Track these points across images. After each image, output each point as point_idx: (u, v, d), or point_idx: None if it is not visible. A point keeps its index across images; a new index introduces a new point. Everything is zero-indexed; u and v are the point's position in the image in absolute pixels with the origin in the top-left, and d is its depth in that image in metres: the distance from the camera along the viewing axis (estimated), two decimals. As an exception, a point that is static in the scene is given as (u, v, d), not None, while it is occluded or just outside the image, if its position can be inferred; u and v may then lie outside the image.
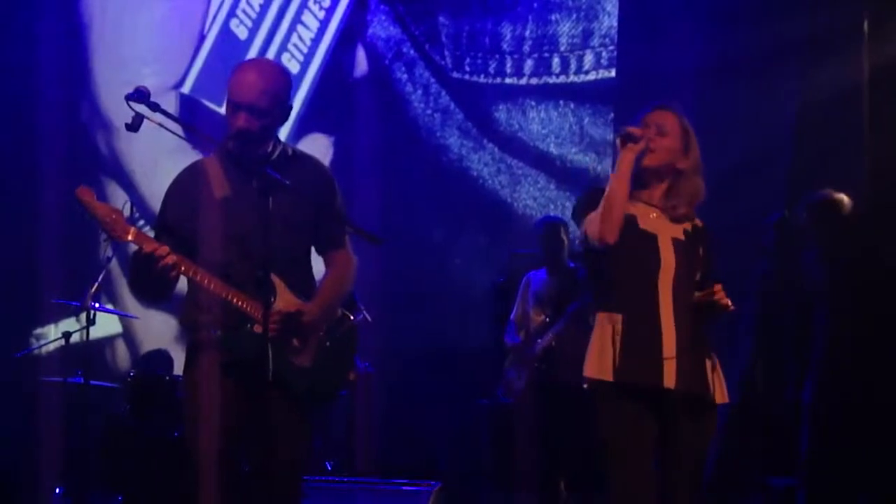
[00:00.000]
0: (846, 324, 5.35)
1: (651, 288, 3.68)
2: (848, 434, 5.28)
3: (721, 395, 3.75)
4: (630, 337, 3.65)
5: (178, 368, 6.52)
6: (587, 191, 4.01)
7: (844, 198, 5.50)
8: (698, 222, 3.86)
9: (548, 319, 6.30)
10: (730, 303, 3.70)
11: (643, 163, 3.75)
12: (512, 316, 6.54)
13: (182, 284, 3.71)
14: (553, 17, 8.10)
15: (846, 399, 5.28)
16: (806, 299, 5.50)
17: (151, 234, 3.72)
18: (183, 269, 3.57)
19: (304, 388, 3.72)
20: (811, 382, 5.39)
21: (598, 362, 3.69)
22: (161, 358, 7.28)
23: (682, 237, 3.77)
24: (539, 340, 6.28)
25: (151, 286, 3.69)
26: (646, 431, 3.65)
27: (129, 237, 3.51)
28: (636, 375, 3.63)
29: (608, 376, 3.66)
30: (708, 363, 3.71)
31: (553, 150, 8.05)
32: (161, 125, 3.52)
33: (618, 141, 3.76)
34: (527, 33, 8.13)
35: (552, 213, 7.63)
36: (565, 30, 8.07)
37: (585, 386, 3.75)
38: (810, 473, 5.39)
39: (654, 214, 3.78)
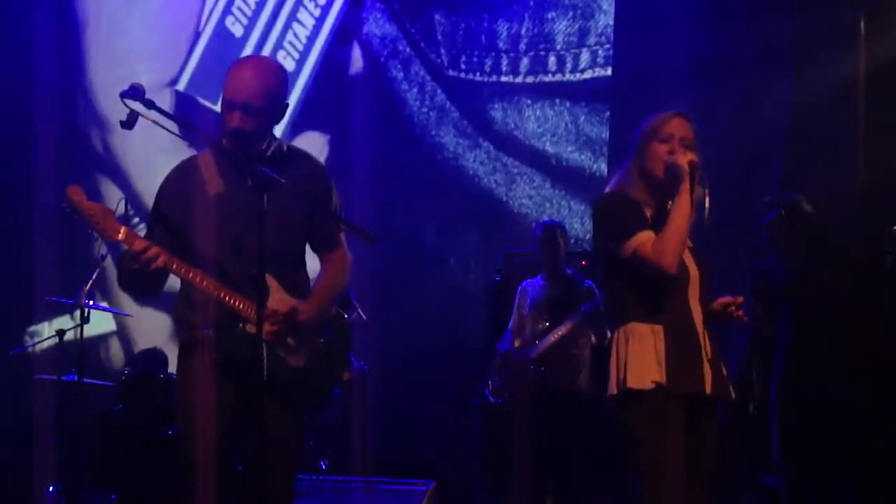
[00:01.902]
0: (808, 322, 5.37)
1: (684, 298, 3.74)
2: (815, 433, 5.29)
3: (733, 393, 3.90)
4: (676, 346, 3.68)
5: (172, 367, 6.52)
6: (610, 198, 3.88)
7: (804, 202, 5.52)
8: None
9: (548, 324, 6.28)
10: (743, 314, 3.83)
11: (678, 186, 3.70)
12: (510, 325, 6.52)
13: (175, 282, 3.70)
14: (549, 16, 8.10)
15: (809, 398, 5.29)
16: (769, 300, 5.52)
17: (144, 232, 3.71)
18: (175, 267, 3.55)
19: (298, 388, 3.71)
20: (775, 382, 5.40)
21: (644, 371, 3.67)
22: (155, 356, 7.26)
23: (692, 245, 3.82)
24: (538, 343, 6.26)
25: (140, 283, 3.68)
26: (682, 439, 3.68)
27: (120, 236, 3.50)
28: (685, 383, 3.68)
29: (658, 383, 3.65)
30: (723, 367, 3.81)
31: (549, 148, 8.04)
32: (156, 122, 3.50)
33: (683, 171, 3.67)
34: (523, 31, 8.12)
35: (549, 214, 7.64)
36: (561, 28, 8.06)
37: (615, 393, 3.72)
38: (785, 474, 5.40)
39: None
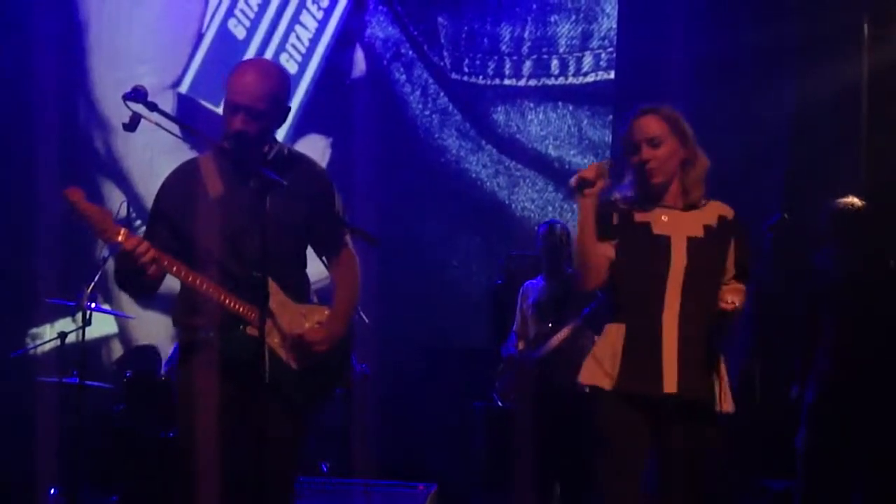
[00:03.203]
0: (854, 325, 5.35)
1: (658, 292, 3.64)
2: (847, 435, 5.27)
3: (726, 403, 3.71)
4: (631, 345, 3.64)
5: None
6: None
7: (863, 203, 5.50)
8: (727, 213, 3.79)
9: (551, 325, 6.27)
10: (729, 303, 3.63)
11: (653, 181, 3.70)
12: (514, 327, 6.52)
13: (174, 284, 3.69)
14: (552, 19, 8.09)
15: (849, 401, 5.27)
16: (812, 300, 5.48)
17: (144, 233, 3.70)
18: (174, 270, 3.54)
19: (299, 390, 3.71)
20: (815, 382, 5.38)
21: (596, 369, 3.69)
22: (147, 353, 7.28)
23: (700, 234, 3.71)
24: (541, 345, 6.25)
25: (135, 282, 3.67)
26: (639, 442, 3.64)
27: (119, 238, 3.47)
28: (634, 385, 3.62)
29: (606, 384, 3.65)
30: (715, 369, 3.66)
31: (551, 151, 8.03)
32: (158, 125, 3.50)
33: (573, 188, 3.67)
34: (526, 35, 8.12)
35: (551, 217, 7.62)
36: (564, 31, 8.06)
37: (587, 390, 3.73)
38: (807, 472, 5.38)
39: (666, 217, 3.72)
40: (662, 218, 3.72)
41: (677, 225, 3.71)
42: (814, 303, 5.47)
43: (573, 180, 3.66)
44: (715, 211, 3.78)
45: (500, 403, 6.49)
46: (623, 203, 3.78)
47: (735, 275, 3.74)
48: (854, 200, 5.50)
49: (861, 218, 5.46)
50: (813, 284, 5.50)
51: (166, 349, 7.30)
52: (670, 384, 3.60)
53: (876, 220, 5.49)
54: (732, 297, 3.63)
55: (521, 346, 6.41)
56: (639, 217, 3.74)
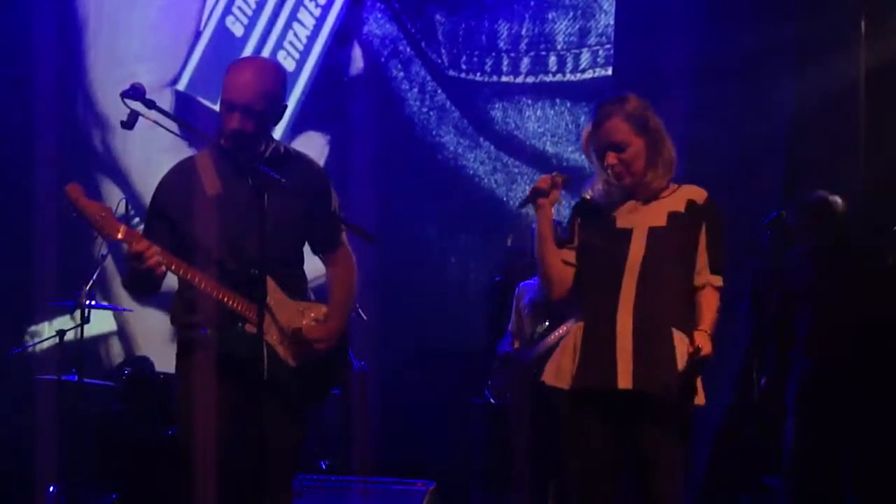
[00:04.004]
0: (831, 322, 5.36)
1: (613, 286, 3.58)
2: (830, 432, 5.28)
3: (696, 396, 3.56)
4: (586, 341, 3.61)
5: (164, 365, 6.52)
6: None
7: (838, 199, 5.52)
8: (698, 196, 3.69)
9: (546, 324, 6.27)
10: (692, 348, 3.45)
11: (622, 183, 3.66)
12: (509, 327, 6.52)
13: (172, 282, 3.70)
14: (550, 16, 8.08)
15: (832, 397, 5.28)
16: (789, 297, 5.49)
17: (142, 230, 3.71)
18: (174, 267, 3.55)
19: (297, 387, 3.72)
20: (794, 380, 5.39)
21: (555, 369, 3.69)
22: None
23: (663, 223, 3.63)
24: (536, 345, 6.25)
25: (143, 284, 3.68)
26: (599, 441, 3.60)
27: (119, 235, 3.48)
28: (588, 381, 3.58)
29: (564, 384, 3.64)
30: (680, 360, 3.50)
31: (549, 148, 8.03)
32: (156, 122, 3.50)
33: (527, 199, 3.70)
34: (523, 31, 8.11)
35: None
36: (562, 28, 8.06)
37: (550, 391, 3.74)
38: (794, 471, 5.39)
39: (632, 209, 3.68)
40: (628, 212, 3.68)
41: (642, 216, 3.66)
42: (789, 301, 5.48)
43: (527, 194, 3.69)
44: (684, 196, 3.69)
45: (492, 401, 6.50)
46: (591, 200, 3.77)
47: (709, 266, 3.62)
48: (824, 194, 5.52)
49: (833, 211, 5.47)
50: (787, 282, 5.51)
51: (164, 349, 7.30)
52: (625, 379, 3.51)
53: (846, 213, 5.50)
54: (699, 341, 3.44)
55: (516, 345, 6.41)
56: (605, 213, 3.71)
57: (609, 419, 3.59)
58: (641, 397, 3.53)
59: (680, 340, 3.54)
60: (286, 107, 3.83)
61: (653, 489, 3.55)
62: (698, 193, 3.70)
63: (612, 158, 3.64)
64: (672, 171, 3.71)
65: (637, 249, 3.60)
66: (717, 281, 3.64)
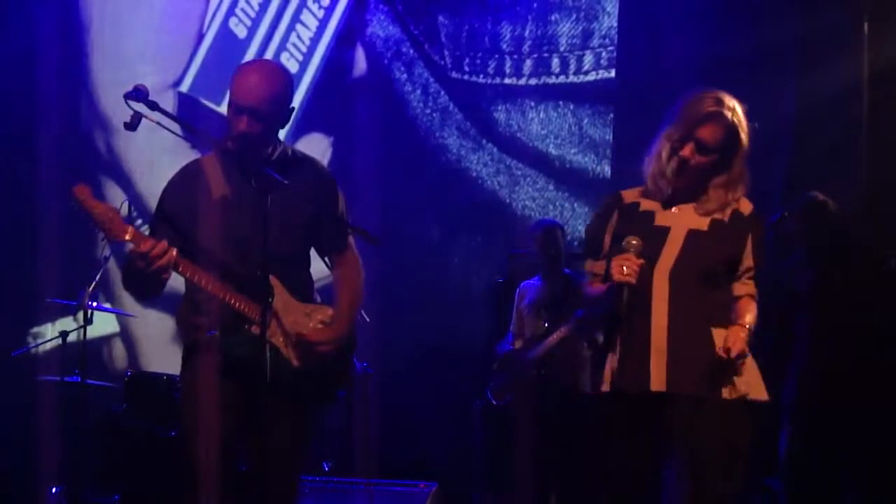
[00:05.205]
0: (829, 325, 5.36)
1: (647, 283, 3.50)
2: (828, 435, 5.28)
3: (753, 391, 3.52)
4: (625, 342, 3.55)
5: (168, 368, 6.52)
6: (601, 205, 3.83)
7: (829, 201, 5.52)
8: (744, 209, 3.63)
9: (547, 325, 6.27)
10: (722, 351, 3.42)
11: (679, 178, 3.57)
12: (510, 327, 6.53)
13: (178, 283, 3.70)
14: (553, 18, 8.09)
15: (827, 400, 5.28)
16: (788, 300, 5.49)
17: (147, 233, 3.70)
18: (181, 268, 3.55)
19: (302, 390, 3.72)
20: (792, 383, 5.39)
21: (596, 372, 3.66)
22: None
23: (704, 228, 3.57)
24: (537, 345, 6.25)
25: (145, 284, 3.67)
26: (635, 443, 3.55)
27: (126, 236, 3.47)
28: (624, 384, 3.53)
29: (605, 387, 3.59)
30: (718, 361, 3.43)
31: (552, 150, 8.03)
32: (159, 124, 3.50)
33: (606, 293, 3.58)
34: (526, 33, 8.12)
35: (552, 216, 7.62)
36: (565, 30, 8.06)
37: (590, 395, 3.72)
38: (791, 475, 5.39)
39: (674, 209, 3.62)
40: (670, 209, 3.62)
41: (683, 217, 3.60)
42: (788, 303, 5.47)
43: (619, 274, 3.49)
44: (731, 206, 3.63)
45: (493, 402, 6.50)
46: (635, 194, 3.71)
47: (752, 277, 3.60)
48: (814, 194, 5.52)
49: (823, 210, 5.47)
50: (786, 285, 5.50)
51: (166, 351, 7.31)
52: (658, 381, 3.47)
53: (839, 213, 5.50)
54: (731, 339, 3.43)
55: (517, 345, 6.42)
56: (645, 206, 3.65)
57: (643, 421, 3.53)
58: (676, 398, 3.48)
59: (719, 336, 3.49)
60: (294, 110, 3.83)
61: (695, 490, 3.48)
62: (745, 205, 3.65)
63: (688, 152, 3.55)
64: (729, 196, 3.63)
65: (671, 249, 3.55)
66: (755, 291, 3.63)
